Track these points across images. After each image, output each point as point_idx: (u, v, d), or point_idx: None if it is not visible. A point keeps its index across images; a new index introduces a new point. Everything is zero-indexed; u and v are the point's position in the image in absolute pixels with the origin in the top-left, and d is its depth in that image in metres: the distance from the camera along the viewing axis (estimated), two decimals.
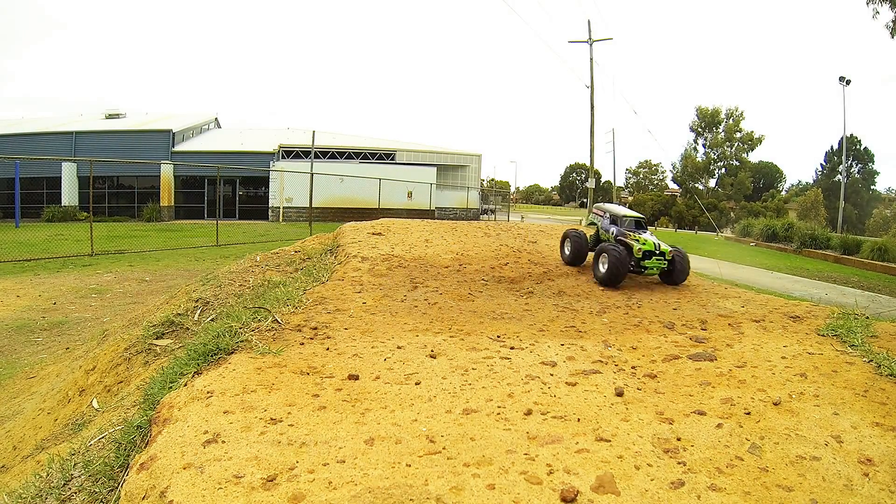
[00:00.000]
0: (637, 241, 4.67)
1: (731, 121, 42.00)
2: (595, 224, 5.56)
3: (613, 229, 5.11)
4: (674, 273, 4.58)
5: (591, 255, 5.10)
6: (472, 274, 4.32)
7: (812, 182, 41.09)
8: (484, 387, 2.04)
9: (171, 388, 2.00)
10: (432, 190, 27.00)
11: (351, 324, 2.90)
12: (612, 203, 6.59)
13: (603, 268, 4.41)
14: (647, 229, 5.07)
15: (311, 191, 18.67)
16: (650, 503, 1.32)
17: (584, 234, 5.37)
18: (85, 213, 20.46)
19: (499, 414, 1.81)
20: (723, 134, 42.04)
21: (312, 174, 19.62)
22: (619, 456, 1.53)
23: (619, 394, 2.00)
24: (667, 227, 37.42)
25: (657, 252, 4.53)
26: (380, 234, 5.89)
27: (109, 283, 8.76)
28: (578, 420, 1.77)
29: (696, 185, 43.08)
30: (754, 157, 43.63)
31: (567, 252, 5.35)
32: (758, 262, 13.77)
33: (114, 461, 1.76)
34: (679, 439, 1.64)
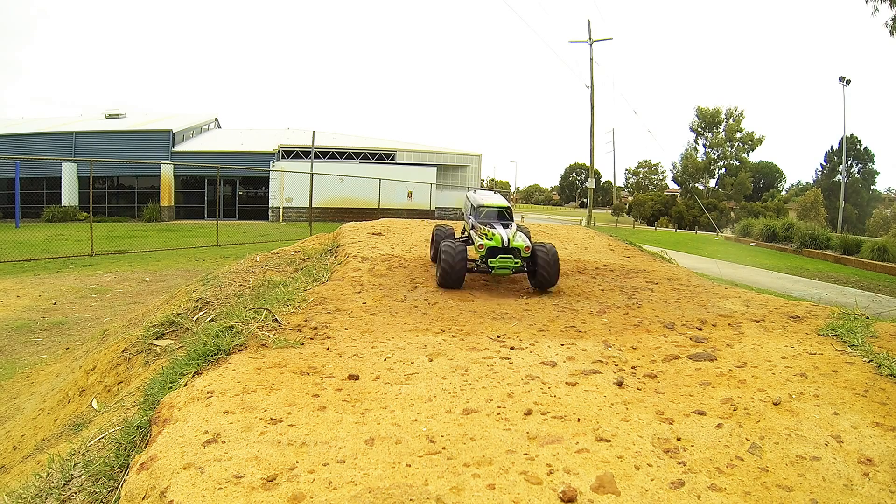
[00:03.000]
0: (485, 235, 4.03)
1: (731, 121, 41.96)
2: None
3: (471, 220, 4.41)
4: (536, 274, 3.94)
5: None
6: (472, 274, 4.31)
7: (812, 182, 41.05)
8: (484, 387, 2.04)
9: (171, 388, 2.00)
10: (432, 190, 26.99)
11: (351, 324, 2.90)
12: (481, 190, 5.66)
13: (438, 268, 3.90)
14: (511, 220, 4.37)
15: (311, 191, 18.66)
16: (650, 503, 1.32)
17: (453, 229, 4.75)
18: (85, 213, 20.44)
19: (499, 414, 1.81)
20: (723, 134, 42.01)
21: (312, 174, 19.61)
22: (619, 456, 1.53)
23: (619, 394, 2.00)
24: (667, 227, 37.36)
25: (505, 248, 3.86)
26: (380, 234, 5.89)
27: (109, 284, 8.76)
28: (578, 420, 1.77)
29: (697, 185, 43.05)
30: (754, 157, 43.62)
31: (433, 252, 4.59)
32: (758, 262, 13.77)
33: (114, 461, 1.76)
34: (679, 439, 1.64)
